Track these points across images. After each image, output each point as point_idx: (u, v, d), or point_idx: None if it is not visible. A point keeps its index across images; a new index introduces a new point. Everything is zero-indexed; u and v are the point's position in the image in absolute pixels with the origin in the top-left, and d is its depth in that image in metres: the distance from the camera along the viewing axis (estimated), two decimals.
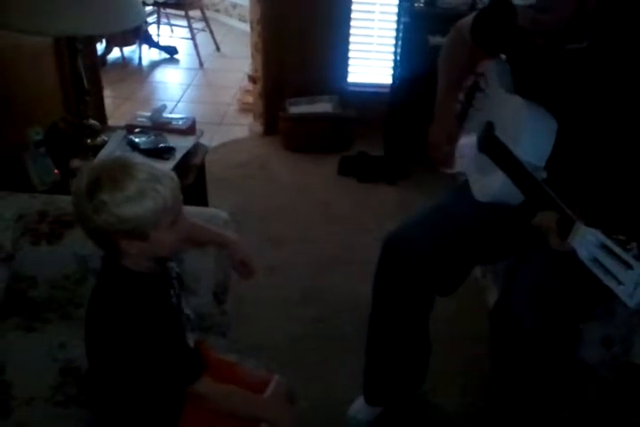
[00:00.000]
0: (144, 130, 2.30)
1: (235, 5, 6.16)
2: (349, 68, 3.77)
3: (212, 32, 5.42)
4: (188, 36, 5.20)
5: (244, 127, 4.00)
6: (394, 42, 3.39)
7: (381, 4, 3.67)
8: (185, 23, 5.20)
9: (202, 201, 2.51)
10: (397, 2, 3.36)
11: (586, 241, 1.06)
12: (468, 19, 1.61)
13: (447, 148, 1.68)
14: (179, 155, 2.20)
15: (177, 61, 5.33)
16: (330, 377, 2.10)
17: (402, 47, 3.23)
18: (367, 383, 1.91)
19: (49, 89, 2.51)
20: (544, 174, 1.30)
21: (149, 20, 5.27)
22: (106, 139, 2.25)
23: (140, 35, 5.07)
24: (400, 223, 1.71)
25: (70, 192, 1.15)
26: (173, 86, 4.83)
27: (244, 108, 4.21)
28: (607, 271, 1.01)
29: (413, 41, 3.16)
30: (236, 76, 4.79)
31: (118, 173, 1.10)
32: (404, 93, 3.31)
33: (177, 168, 2.14)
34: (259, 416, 1.31)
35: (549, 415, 1.56)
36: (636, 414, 1.62)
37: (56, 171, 2.06)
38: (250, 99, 4.08)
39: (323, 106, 3.61)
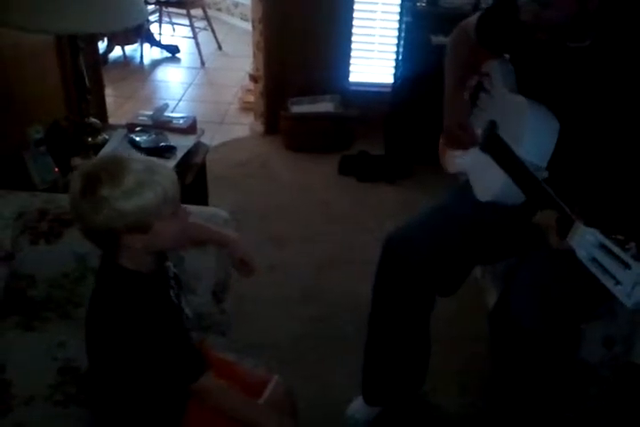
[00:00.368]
0: (145, 129, 2.30)
1: (236, 4, 6.16)
2: (351, 68, 3.77)
3: (213, 31, 5.42)
4: (190, 34, 5.20)
5: (244, 126, 3.99)
6: (396, 41, 3.38)
7: (383, 4, 3.66)
8: (187, 22, 5.19)
9: (202, 200, 2.51)
10: (400, 1, 3.35)
11: (585, 241, 1.05)
12: (473, 18, 1.61)
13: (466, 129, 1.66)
14: (179, 154, 2.20)
15: (178, 60, 5.33)
16: (329, 376, 2.10)
17: (404, 47, 3.23)
18: (366, 383, 1.91)
19: (50, 87, 2.51)
20: (545, 174, 1.29)
21: (151, 18, 5.27)
22: (107, 137, 2.25)
23: (141, 33, 5.07)
24: (401, 223, 1.71)
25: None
26: (175, 85, 4.83)
27: (246, 108, 4.21)
28: (605, 271, 1.01)
29: (415, 40, 3.16)
30: (237, 75, 4.79)
31: (114, 168, 1.11)
32: (405, 93, 3.31)
33: (178, 167, 2.14)
34: (255, 421, 1.30)
35: (551, 415, 1.55)
36: (638, 414, 1.62)
37: (57, 169, 2.06)
38: (251, 98, 4.07)
39: (324, 105, 3.61)
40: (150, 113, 2.44)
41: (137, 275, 1.21)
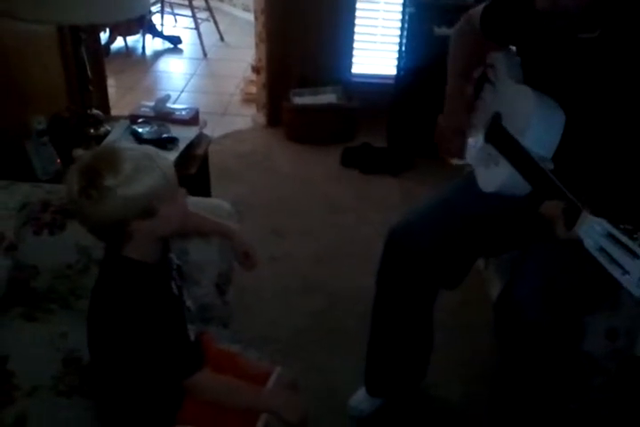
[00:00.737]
0: (147, 120, 2.30)
1: None
2: (354, 59, 3.75)
3: (215, 22, 5.39)
4: (192, 25, 5.18)
5: (247, 118, 3.99)
6: (399, 33, 3.36)
7: None
8: (189, 13, 5.17)
9: (205, 192, 2.51)
10: None
11: (592, 230, 1.05)
12: (478, 9, 1.59)
13: (458, 138, 1.66)
14: (182, 145, 2.19)
15: (180, 51, 5.31)
16: (331, 368, 2.10)
17: (407, 38, 3.21)
18: (369, 375, 1.92)
19: (52, 78, 2.51)
20: (551, 165, 1.29)
21: (153, 9, 5.24)
22: (109, 129, 2.24)
23: (143, 24, 5.05)
24: (404, 215, 1.71)
25: None
26: (177, 76, 4.82)
27: (248, 99, 4.20)
28: (613, 260, 1.00)
29: (418, 32, 3.14)
30: (239, 67, 4.77)
31: (111, 158, 1.12)
32: (408, 85, 3.30)
33: (180, 159, 2.14)
34: (260, 408, 1.31)
35: (554, 407, 1.55)
36: None
37: (59, 160, 2.05)
38: (253, 89, 4.06)
39: (327, 97, 3.60)
40: (152, 104, 2.43)
41: (141, 265, 1.21)
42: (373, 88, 3.74)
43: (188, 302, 1.36)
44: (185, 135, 2.25)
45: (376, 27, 3.76)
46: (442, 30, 3.02)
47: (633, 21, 1.27)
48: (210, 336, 1.46)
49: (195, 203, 1.52)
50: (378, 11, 3.71)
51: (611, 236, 1.01)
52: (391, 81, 3.44)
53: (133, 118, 2.32)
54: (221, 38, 5.49)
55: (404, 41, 3.24)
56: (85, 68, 2.15)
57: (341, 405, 1.95)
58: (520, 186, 1.33)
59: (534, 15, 1.34)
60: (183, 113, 2.43)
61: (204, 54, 5.13)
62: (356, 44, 3.71)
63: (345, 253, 2.71)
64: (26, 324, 1.55)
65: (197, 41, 5.13)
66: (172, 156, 2.11)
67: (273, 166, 3.42)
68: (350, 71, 3.76)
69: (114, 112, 3.05)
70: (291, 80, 3.65)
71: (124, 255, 1.20)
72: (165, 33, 5.39)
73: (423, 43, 3.14)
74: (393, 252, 1.69)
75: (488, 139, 1.53)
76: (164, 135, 2.20)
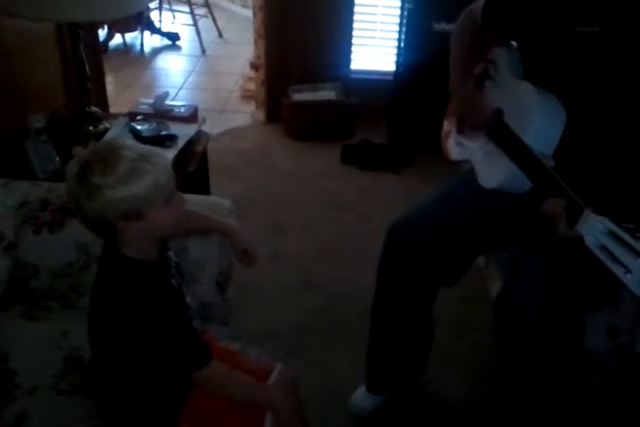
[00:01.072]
0: (146, 117, 2.29)
1: None
2: (353, 55, 3.74)
3: (214, 18, 5.38)
4: (190, 22, 5.16)
5: (246, 115, 3.98)
6: (398, 29, 3.35)
7: None
8: (187, 9, 5.16)
9: (204, 189, 2.50)
10: None
11: (594, 228, 1.05)
12: (480, 3, 1.58)
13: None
14: (181, 143, 2.19)
15: (179, 48, 5.29)
16: (332, 365, 2.10)
17: (406, 34, 3.20)
18: (369, 372, 1.92)
19: (50, 76, 2.50)
20: (552, 162, 1.29)
21: (151, 5, 5.23)
22: (108, 126, 2.24)
23: (141, 21, 5.03)
24: (404, 211, 1.70)
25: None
26: (175, 73, 4.81)
27: (247, 96, 4.19)
28: (615, 259, 1.00)
29: (417, 28, 3.13)
30: (238, 63, 4.76)
31: (107, 156, 1.11)
32: (407, 81, 3.29)
33: (179, 156, 2.13)
34: (263, 403, 1.31)
35: (555, 404, 1.56)
36: None
37: (58, 158, 2.05)
38: (252, 86, 4.05)
39: (326, 93, 3.59)
40: (151, 101, 2.43)
41: (139, 263, 1.21)
42: (373, 84, 3.73)
43: (188, 300, 1.36)
44: (184, 132, 2.24)
45: (375, 23, 3.75)
46: (441, 26, 3.01)
47: (634, 16, 1.26)
48: (210, 334, 1.46)
49: (194, 201, 1.52)
50: (377, 6, 3.70)
51: (613, 234, 1.01)
52: (390, 77, 3.43)
53: (132, 116, 2.32)
54: (220, 35, 5.48)
55: (403, 37, 3.23)
56: (84, 65, 2.14)
57: (342, 402, 1.95)
58: (521, 183, 1.33)
59: (531, 10, 1.33)
60: (182, 110, 2.42)
61: (203, 51, 5.12)
62: (354, 41, 3.70)
63: (346, 249, 2.70)
64: (26, 322, 1.55)
65: (196, 38, 5.12)
66: (170, 153, 2.10)
67: (272, 163, 3.41)
68: (349, 67, 3.75)
69: (112, 109, 3.05)
70: (289, 77, 3.64)
71: (121, 253, 1.20)
72: (164, 30, 5.37)
73: (422, 39, 3.13)
74: (393, 248, 1.68)
75: (489, 135, 1.52)
76: (163, 133, 2.19)
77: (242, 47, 4.92)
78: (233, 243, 1.52)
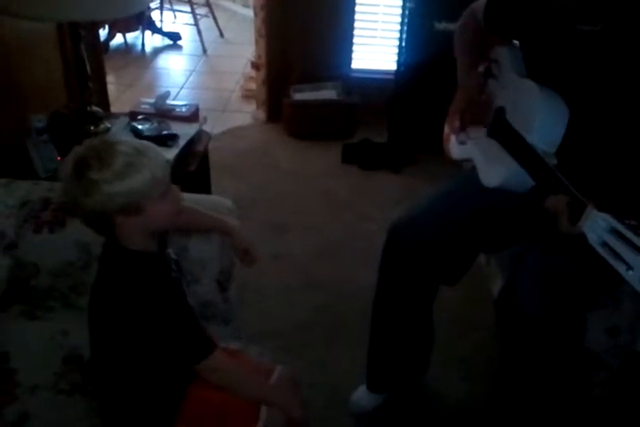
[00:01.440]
0: (147, 117, 2.29)
1: None
2: (353, 55, 3.74)
3: (215, 18, 5.38)
4: (192, 21, 5.17)
5: (246, 114, 3.98)
6: (399, 28, 3.35)
7: None
8: (188, 9, 5.16)
9: (205, 188, 2.50)
10: None
11: (597, 225, 1.04)
12: (482, 2, 1.58)
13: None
14: (182, 142, 2.19)
15: (180, 47, 5.30)
16: (333, 364, 2.10)
17: (407, 33, 3.19)
18: (370, 371, 1.92)
19: (51, 75, 2.50)
20: (554, 160, 1.28)
21: (152, 5, 5.23)
22: (109, 126, 2.24)
23: (142, 20, 5.03)
24: (405, 210, 1.70)
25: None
26: (176, 73, 4.81)
27: (248, 95, 4.19)
28: (617, 256, 1.00)
29: (419, 27, 3.13)
30: (239, 63, 4.76)
31: (102, 151, 1.12)
32: (408, 80, 3.29)
33: (180, 155, 2.13)
34: (266, 399, 1.31)
35: (557, 402, 1.55)
36: None
37: (59, 158, 2.05)
38: (253, 85, 4.05)
39: (326, 92, 3.59)
40: (152, 101, 2.43)
41: (140, 254, 1.21)
42: (373, 84, 3.73)
43: (189, 299, 1.36)
44: (185, 132, 2.24)
45: (376, 22, 3.75)
46: (442, 25, 3.01)
47: (636, 13, 1.26)
48: (210, 333, 1.45)
49: (195, 200, 1.52)
50: (378, 6, 3.70)
51: (615, 231, 1.01)
52: (391, 76, 3.43)
53: (133, 115, 2.32)
54: (221, 34, 5.48)
55: (405, 36, 3.23)
56: (85, 65, 2.14)
57: (343, 401, 1.95)
58: (523, 181, 1.33)
59: (533, 8, 1.33)
60: (183, 109, 2.42)
61: (204, 51, 5.12)
62: (355, 40, 3.69)
63: (346, 248, 2.70)
64: (27, 322, 1.55)
65: (197, 37, 5.12)
66: (172, 152, 2.11)
67: (273, 163, 3.41)
68: (350, 67, 3.75)
69: (113, 109, 3.04)
70: (290, 76, 3.64)
71: (122, 246, 1.20)
72: (165, 29, 5.37)
73: (423, 38, 3.12)
74: (394, 247, 1.68)
75: (491, 133, 1.52)
76: (164, 132, 2.19)
77: (243, 47, 4.92)
78: (234, 242, 1.52)
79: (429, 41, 3.07)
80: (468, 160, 1.69)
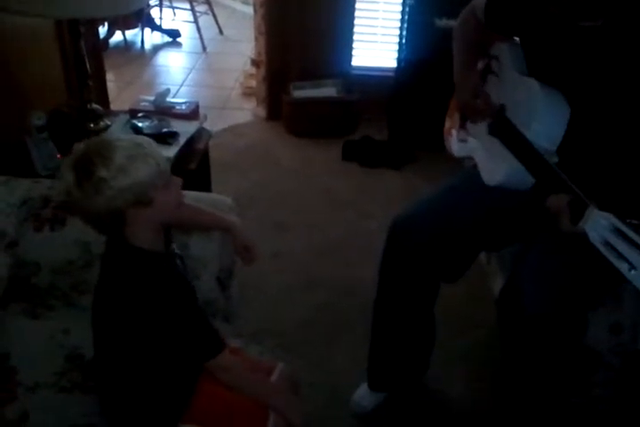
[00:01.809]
0: (147, 114, 2.28)
1: None
2: (354, 52, 3.73)
3: (214, 15, 5.37)
4: (191, 19, 5.16)
5: (246, 112, 3.97)
6: (399, 25, 3.35)
7: None
8: (187, 6, 5.15)
9: (205, 186, 2.50)
10: None
11: (598, 225, 1.04)
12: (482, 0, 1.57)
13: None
14: (182, 140, 2.18)
15: (180, 45, 5.29)
16: (334, 363, 2.10)
17: (407, 30, 3.20)
18: (371, 370, 1.91)
19: (51, 73, 2.49)
20: (555, 158, 1.28)
21: (152, 2, 5.22)
22: (109, 123, 2.23)
23: (142, 18, 5.02)
24: (406, 208, 1.70)
25: None
26: (176, 70, 4.80)
27: (247, 93, 4.18)
28: (619, 255, 1.00)
29: (419, 24, 3.13)
30: (239, 60, 4.75)
31: (103, 148, 1.13)
32: (408, 77, 3.29)
33: (180, 153, 2.13)
34: (268, 399, 1.31)
35: (557, 401, 1.55)
36: None
37: (59, 156, 2.04)
38: (253, 83, 4.05)
39: (327, 90, 3.58)
40: (152, 98, 2.42)
41: (148, 252, 1.21)
42: (374, 81, 3.72)
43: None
44: (185, 129, 2.24)
45: (376, 19, 3.74)
46: (443, 22, 3.00)
47: (637, 8, 1.25)
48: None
49: (195, 198, 1.52)
50: (378, 3, 3.69)
51: (617, 230, 1.01)
52: (391, 74, 3.43)
53: (133, 113, 2.31)
54: (220, 32, 5.47)
55: (405, 33, 3.23)
56: (84, 62, 2.13)
57: (344, 400, 1.95)
58: (523, 179, 1.33)
59: (533, 4, 1.32)
60: (183, 107, 2.41)
61: (204, 48, 5.11)
62: (355, 37, 3.68)
63: (347, 246, 2.70)
64: (28, 320, 1.55)
65: (196, 35, 5.11)
66: (172, 150, 2.10)
67: (273, 160, 3.40)
68: (350, 64, 3.74)
69: (113, 107, 3.03)
70: (290, 73, 3.63)
71: (130, 244, 1.20)
72: (164, 27, 5.36)
73: (424, 35, 3.12)
74: (395, 245, 1.68)
75: (492, 131, 1.52)
76: (165, 130, 2.19)
77: (242, 44, 4.92)
78: (234, 239, 1.51)
79: (430, 38, 3.06)
80: (469, 158, 1.68)
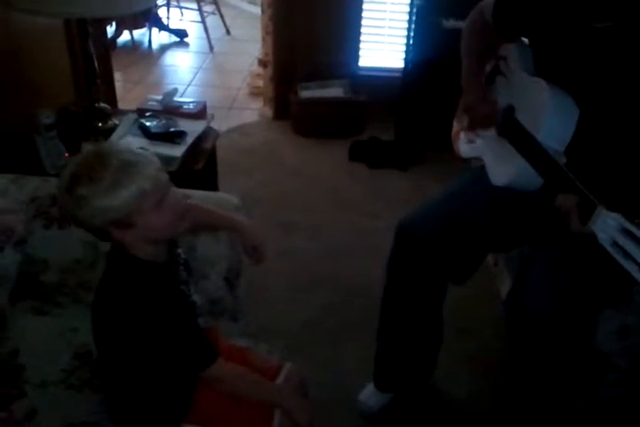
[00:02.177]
0: (155, 114, 2.29)
1: None
2: (361, 52, 3.73)
3: (222, 15, 5.38)
4: (198, 19, 5.17)
5: (254, 112, 3.98)
6: (406, 25, 3.34)
7: None
8: (195, 6, 5.16)
9: (212, 186, 2.50)
10: None
11: (607, 225, 1.04)
12: (491, 1, 1.57)
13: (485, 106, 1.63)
14: (190, 139, 2.18)
15: (187, 45, 5.30)
16: (340, 363, 2.10)
17: (415, 31, 3.19)
18: (378, 370, 1.91)
19: (59, 72, 2.50)
20: (564, 159, 1.28)
21: (159, 2, 5.23)
22: (117, 122, 2.24)
23: (149, 17, 5.04)
24: (413, 208, 1.70)
25: None
26: (183, 70, 4.81)
27: (255, 93, 4.19)
28: (628, 256, 0.99)
29: (426, 24, 3.12)
30: (246, 60, 4.76)
31: (94, 163, 1.11)
32: (416, 78, 3.28)
33: (188, 153, 2.13)
34: (273, 402, 1.31)
35: (564, 403, 1.55)
36: None
37: (67, 154, 2.05)
38: (260, 83, 4.05)
39: (334, 90, 3.59)
40: (160, 98, 2.43)
41: (145, 263, 1.20)
42: (381, 81, 3.71)
43: (195, 297, 1.35)
44: (193, 129, 2.24)
45: (383, 19, 3.73)
46: (450, 23, 2.99)
47: None
48: (217, 331, 1.45)
49: (202, 197, 1.52)
50: (385, 3, 3.69)
51: (626, 231, 1.00)
52: (399, 74, 3.42)
53: (141, 112, 2.32)
54: (228, 32, 5.48)
55: (412, 34, 3.22)
56: (92, 61, 2.14)
57: (350, 400, 1.95)
58: (532, 180, 1.32)
59: (543, 6, 1.32)
60: (191, 106, 2.42)
61: (211, 48, 5.12)
62: (363, 37, 3.69)
63: (353, 247, 2.70)
64: (36, 318, 1.55)
65: (204, 34, 5.12)
66: (179, 150, 2.11)
67: (280, 160, 3.41)
68: (358, 64, 3.74)
69: (121, 106, 3.05)
70: (298, 73, 3.64)
71: (128, 254, 1.19)
72: (172, 26, 5.38)
73: (431, 35, 3.11)
74: (402, 246, 1.68)
75: (500, 132, 1.51)
76: (172, 129, 2.19)
77: (250, 44, 4.93)
78: (242, 239, 1.50)
79: (437, 39, 3.05)
80: (477, 158, 1.68)
